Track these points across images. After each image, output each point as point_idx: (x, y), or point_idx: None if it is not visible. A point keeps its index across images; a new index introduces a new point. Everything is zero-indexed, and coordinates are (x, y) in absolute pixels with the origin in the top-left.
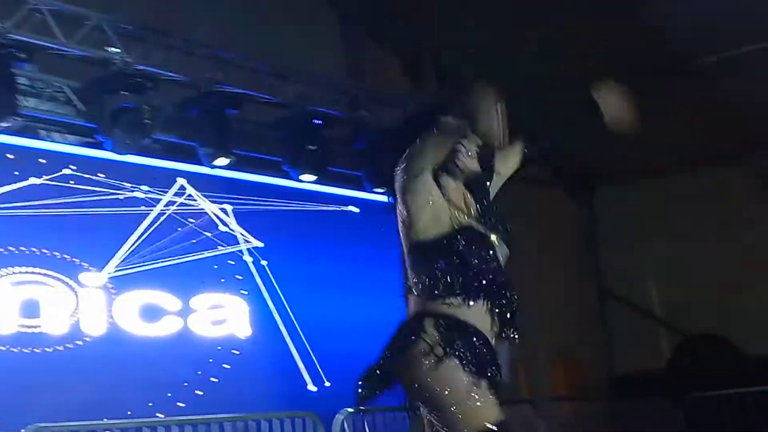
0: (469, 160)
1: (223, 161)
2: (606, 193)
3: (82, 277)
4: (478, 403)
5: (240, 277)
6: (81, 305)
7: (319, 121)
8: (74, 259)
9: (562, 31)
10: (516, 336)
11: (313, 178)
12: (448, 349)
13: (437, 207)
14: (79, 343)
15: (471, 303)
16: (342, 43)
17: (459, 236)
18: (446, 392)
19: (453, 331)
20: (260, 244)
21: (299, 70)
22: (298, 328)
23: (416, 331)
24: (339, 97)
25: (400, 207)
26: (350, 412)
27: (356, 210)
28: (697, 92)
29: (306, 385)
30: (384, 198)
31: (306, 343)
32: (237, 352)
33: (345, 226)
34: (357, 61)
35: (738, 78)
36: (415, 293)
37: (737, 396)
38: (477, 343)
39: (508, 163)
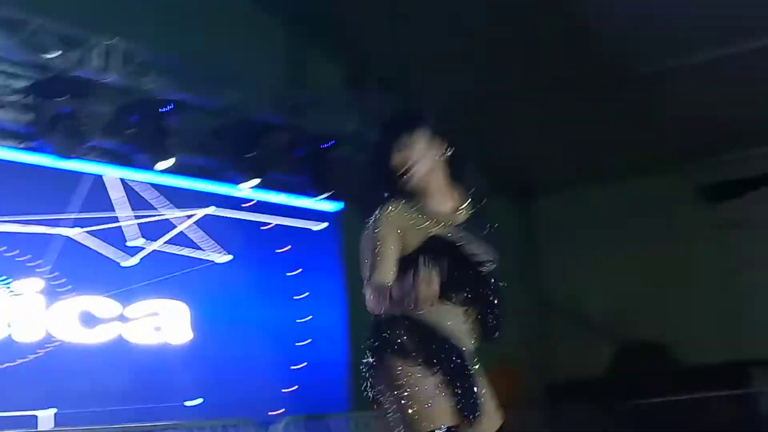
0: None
1: (163, 165)
2: (547, 200)
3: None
4: (435, 407)
5: (179, 282)
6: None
7: (260, 128)
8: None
9: (502, 43)
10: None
11: (253, 184)
12: (417, 352)
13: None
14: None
15: (447, 308)
16: (284, 49)
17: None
18: (407, 393)
19: (425, 335)
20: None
21: (240, 76)
22: (240, 335)
23: (388, 332)
24: (280, 104)
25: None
26: (289, 420)
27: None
28: (642, 101)
29: (245, 391)
30: (326, 205)
31: (248, 349)
32: (175, 359)
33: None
34: (299, 68)
35: (682, 88)
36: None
37: (672, 403)
38: (447, 349)
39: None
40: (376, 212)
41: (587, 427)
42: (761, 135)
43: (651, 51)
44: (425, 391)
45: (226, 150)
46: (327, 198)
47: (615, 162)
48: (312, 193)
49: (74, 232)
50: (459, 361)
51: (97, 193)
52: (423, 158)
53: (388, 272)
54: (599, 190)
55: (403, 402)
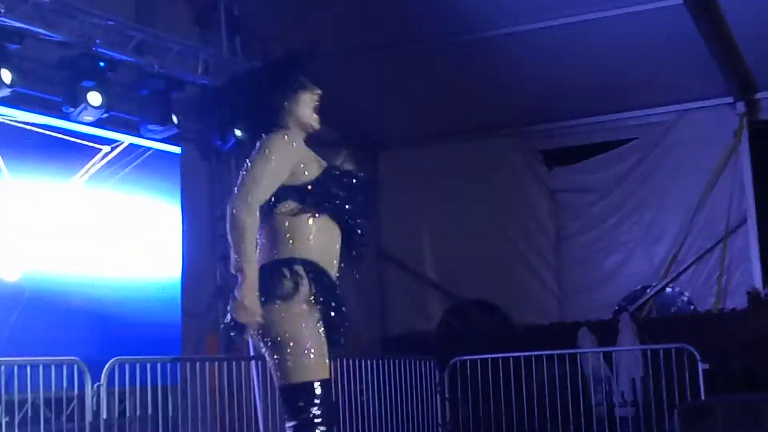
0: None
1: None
2: (387, 158)
3: None
4: (312, 358)
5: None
6: None
7: (103, 63)
8: None
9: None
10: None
11: (92, 119)
12: (313, 296)
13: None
14: None
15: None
16: None
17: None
18: (288, 337)
19: (318, 279)
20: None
21: (86, 9)
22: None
23: (283, 272)
24: (125, 40)
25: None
26: (119, 360)
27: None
28: (478, 64)
29: (78, 331)
30: (167, 146)
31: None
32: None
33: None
34: (147, 6)
35: (519, 54)
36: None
37: (500, 360)
38: (336, 300)
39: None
40: (272, 137)
41: (417, 378)
42: (594, 104)
43: (491, 15)
44: (306, 336)
45: (67, 83)
46: (168, 140)
47: (453, 124)
48: (154, 134)
49: None
50: (333, 292)
51: None
52: (311, 100)
53: (266, 194)
54: (438, 149)
55: (285, 350)
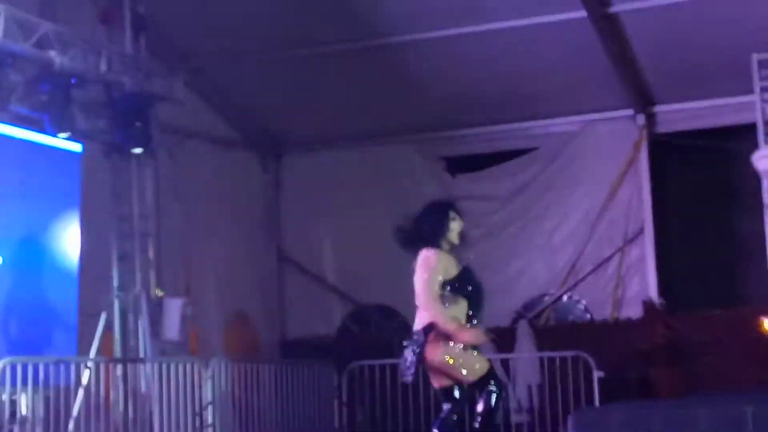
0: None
1: None
2: (291, 161)
3: None
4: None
5: None
6: None
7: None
8: None
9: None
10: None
11: None
12: None
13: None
14: None
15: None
16: None
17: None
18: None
19: None
20: None
21: None
22: None
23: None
24: (27, 34)
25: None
26: (11, 361)
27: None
28: (383, 70)
29: None
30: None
31: None
32: None
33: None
34: (50, 1)
35: (424, 61)
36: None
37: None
38: None
39: None
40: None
41: (315, 383)
42: (498, 113)
43: (397, 22)
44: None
45: None
46: (69, 137)
47: (358, 129)
48: (53, 131)
49: None
50: None
51: None
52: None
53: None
54: (341, 154)
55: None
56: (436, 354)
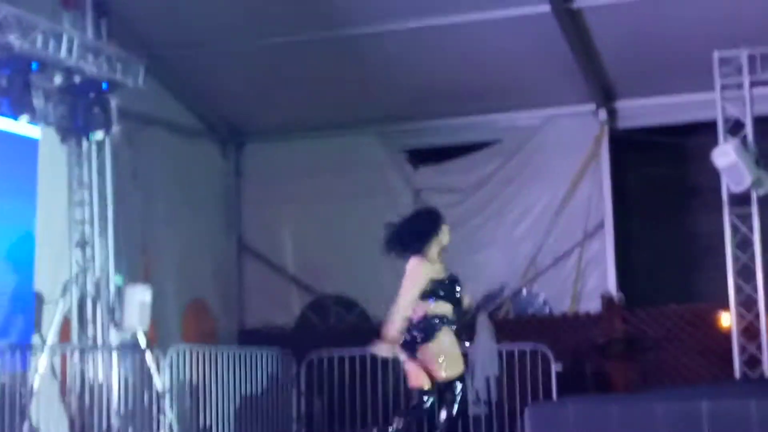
0: None
1: None
2: (252, 150)
3: None
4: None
5: None
6: None
7: None
8: None
9: None
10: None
11: None
12: None
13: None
14: None
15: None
16: None
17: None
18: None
19: None
20: None
21: None
22: None
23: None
24: None
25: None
26: None
27: None
28: (346, 61)
29: None
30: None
31: None
32: None
33: None
34: None
35: (387, 52)
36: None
37: (357, 356)
38: None
39: None
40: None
41: (276, 370)
42: (461, 105)
43: (360, 13)
44: None
45: None
46: (28, 121)
47: (320, 119)
48: (13, 114)
49: None
50: None
51: None
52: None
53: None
54: (302, 143)
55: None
56: (429, 350)
